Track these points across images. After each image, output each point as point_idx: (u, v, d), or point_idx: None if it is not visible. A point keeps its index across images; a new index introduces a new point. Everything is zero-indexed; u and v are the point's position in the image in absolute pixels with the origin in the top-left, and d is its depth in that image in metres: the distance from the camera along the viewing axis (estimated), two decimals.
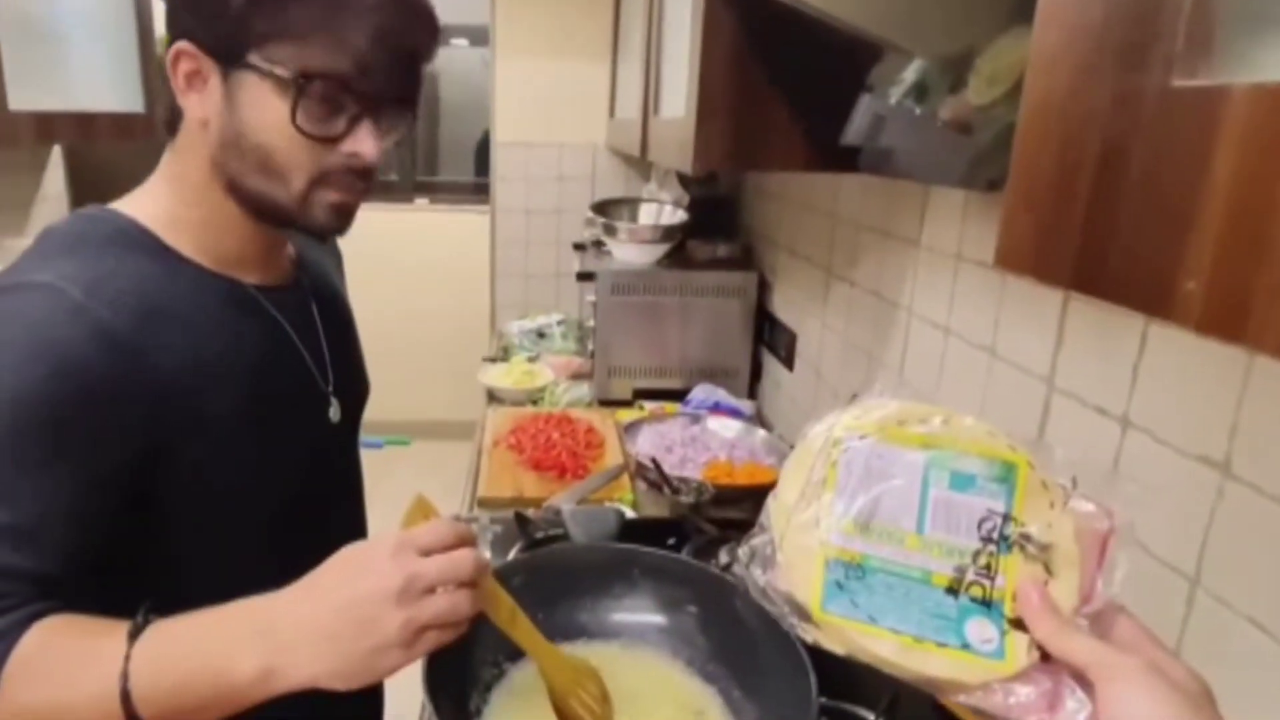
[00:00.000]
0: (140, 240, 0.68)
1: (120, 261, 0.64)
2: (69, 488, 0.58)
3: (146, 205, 0.70)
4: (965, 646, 0.44)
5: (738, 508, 1.40)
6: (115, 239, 0.66)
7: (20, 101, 1.53)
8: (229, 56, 0.65)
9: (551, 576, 0.84)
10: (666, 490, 1.35)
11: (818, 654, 0.67)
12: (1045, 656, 0.42)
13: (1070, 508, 0.45)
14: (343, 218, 0.71)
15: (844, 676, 0.89)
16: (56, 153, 2.14)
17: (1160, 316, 0.32)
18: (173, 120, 0.71)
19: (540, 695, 0.67)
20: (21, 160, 2.02)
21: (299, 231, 0.74)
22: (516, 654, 0.73)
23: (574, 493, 1.41)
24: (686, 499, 1.32)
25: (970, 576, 0.45)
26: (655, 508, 1.40)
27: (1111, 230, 0.34)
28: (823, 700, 0.67)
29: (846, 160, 1.06)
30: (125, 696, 0.52)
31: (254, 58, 0.64)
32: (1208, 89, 0.29)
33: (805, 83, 1.08)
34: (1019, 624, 0.43)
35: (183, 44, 0.65)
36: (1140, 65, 0.32)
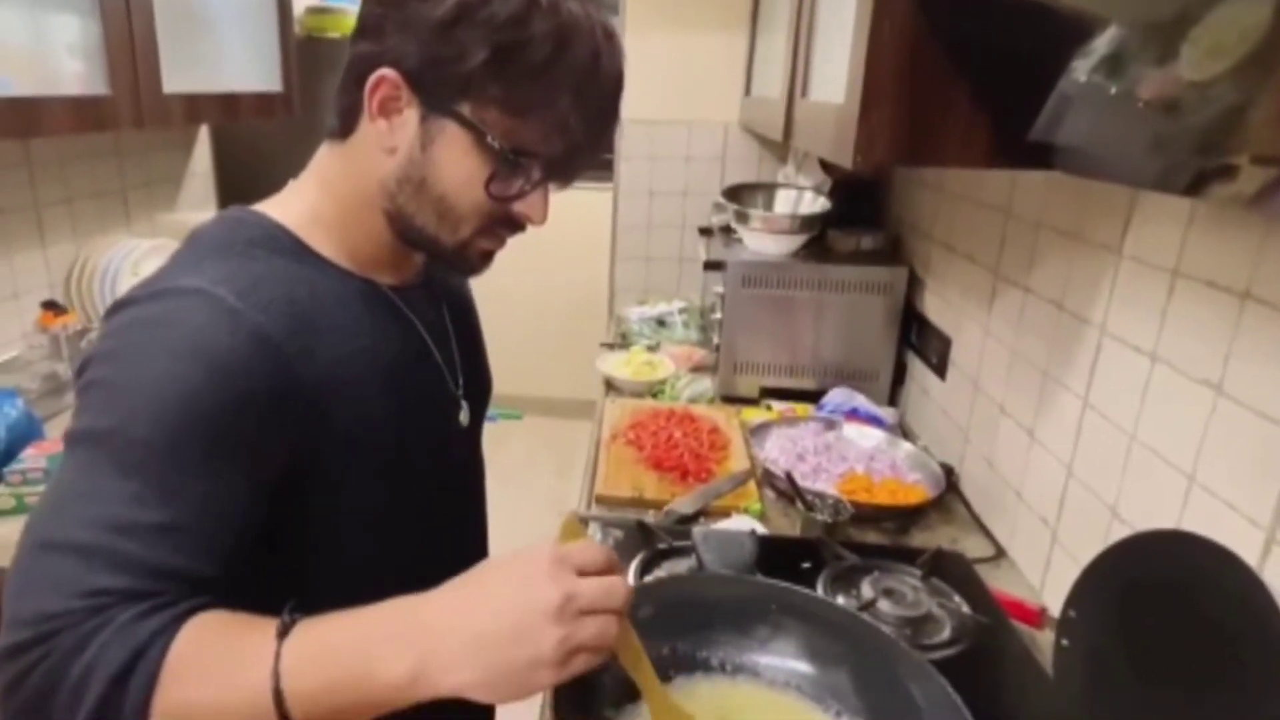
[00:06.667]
0: (284, 243, 0.67)
1: (268, 264, 0.64)
2: (226, 490, 0.58)
3: (291, 204, 0.70)
4: None
5: (877, 529, 1.30)
6: (261, 241, 0.66)
7: (173, 84, 1.59)
8: (439, 102, 0.63)
9: (684, 610, 0.79)
10: (799, 504, 1.26)
11: None
12: None
13: None
14: (488, 262, 0.73)
15: None
16: (204, 131, 2.23)
17: None
18: (346, 126, 0.69)
19: None
20: (173, 139, 2.12)
21: (448, 269, 0.75)
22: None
23: (697, 497, 1.34)
24: (822, 517, 1.22)
25: None
26: (785, 520, 1.32)
27: None
28: None
29: (1039, 157, 0.91)
30: (277, 696, 0.51)
31: (466, 112, 0.63)
32: None
33: (991, 64, 0.94)
34: None
35: (389, 73, 0.63)
36: None
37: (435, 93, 0.63)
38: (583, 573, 0.54)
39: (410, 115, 0.64)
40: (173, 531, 0.55)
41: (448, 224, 0.67)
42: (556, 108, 0.62)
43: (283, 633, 0.53)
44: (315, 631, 0.54)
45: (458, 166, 0.64)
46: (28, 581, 0.54)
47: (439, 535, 0.79)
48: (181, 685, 0.52)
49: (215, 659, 0.53)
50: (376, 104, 0.64)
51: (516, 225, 0.70)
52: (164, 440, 0.55)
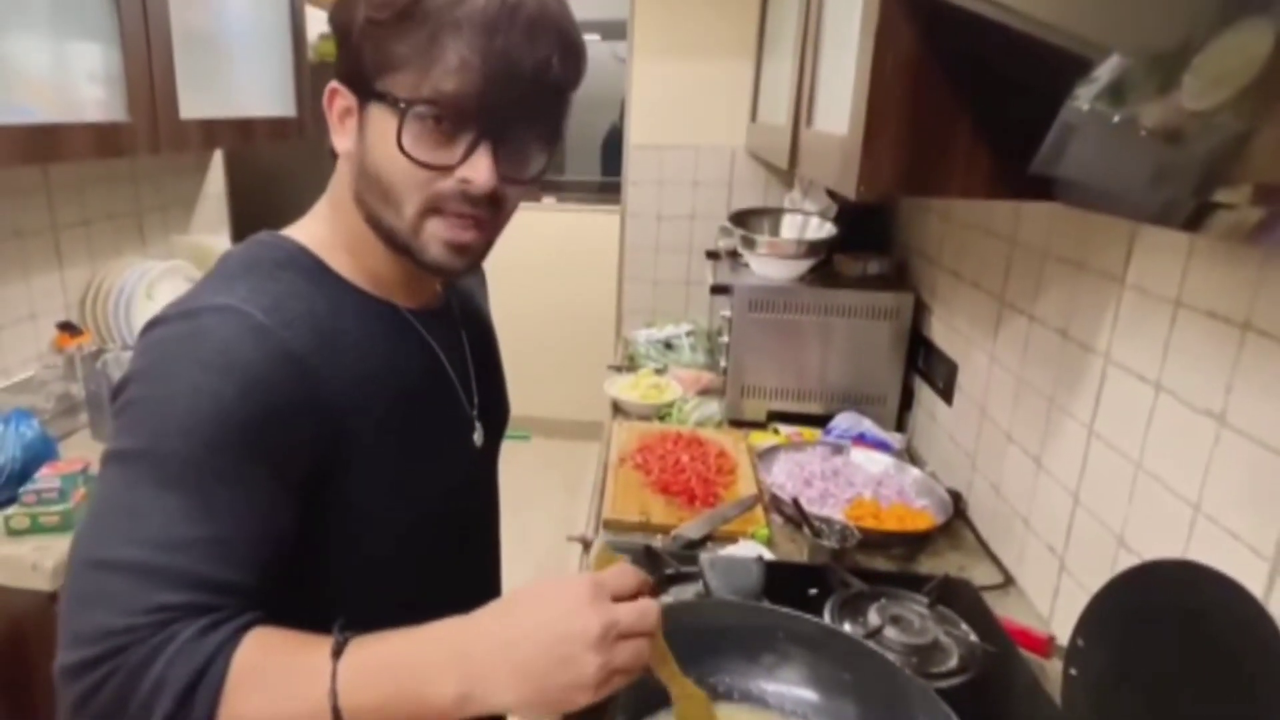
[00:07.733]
0: (307, 264, 0.70)
1: (291, 284, 0.66)
2: (259, 503, 0.60)
3: (313, 230, 0.73)
4: None
5: (885, 555, 1.29)
6: (285, 263, 0.69)
7: (190, 110, 1.62)
8: (361, 89, 0.66)
9: (691, 636, 0.79)
10: (806, 530, 1.26)
11: None
12: None
13: None
14: (458, 256, 0.68)
15: None
16: (218, 155, 2.26)
17: None
18: (334, 154, 0.72)
19: None
20: (188, 163, 2.15)
21: (420, 268, 0.70)
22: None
23: (704, 522, 1.35)
24: (829, 543, 1.22)
25: None
26: (792, 545, 1.32)
27: None
28: None
29: (1040, 188, 0.92)
30: (336, 713, 0.54)
31: (378, 88, 0.64)
32: None
33: (993, 96, 0.95)
34: None
35: (334, 83, 0.68)
36: None
37: (359, 83, 0.65)
38: (617, 597, 0.57)
39: (355, 116, 0.67)
40: (218, 544, 0.57)
41: (393, 206, 0.66)
42: (443, 47, 0.61)
43: (337, 651, 0.56)
44: (367, 651, 0.56)
45: (381, 139, 0.65)
46: (85, 599, 0.55)
47: (450, 551, 0.80)
48: (242, 700, 0.54)
49: (275, 675, 0.56)
50: (336, 117, 0.68)
51: (471, 200, 0.65)
52: (201, 453, 0.57)
